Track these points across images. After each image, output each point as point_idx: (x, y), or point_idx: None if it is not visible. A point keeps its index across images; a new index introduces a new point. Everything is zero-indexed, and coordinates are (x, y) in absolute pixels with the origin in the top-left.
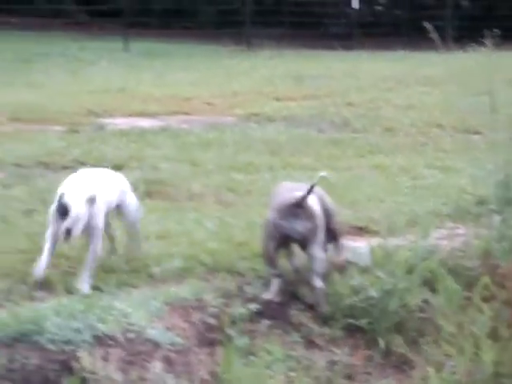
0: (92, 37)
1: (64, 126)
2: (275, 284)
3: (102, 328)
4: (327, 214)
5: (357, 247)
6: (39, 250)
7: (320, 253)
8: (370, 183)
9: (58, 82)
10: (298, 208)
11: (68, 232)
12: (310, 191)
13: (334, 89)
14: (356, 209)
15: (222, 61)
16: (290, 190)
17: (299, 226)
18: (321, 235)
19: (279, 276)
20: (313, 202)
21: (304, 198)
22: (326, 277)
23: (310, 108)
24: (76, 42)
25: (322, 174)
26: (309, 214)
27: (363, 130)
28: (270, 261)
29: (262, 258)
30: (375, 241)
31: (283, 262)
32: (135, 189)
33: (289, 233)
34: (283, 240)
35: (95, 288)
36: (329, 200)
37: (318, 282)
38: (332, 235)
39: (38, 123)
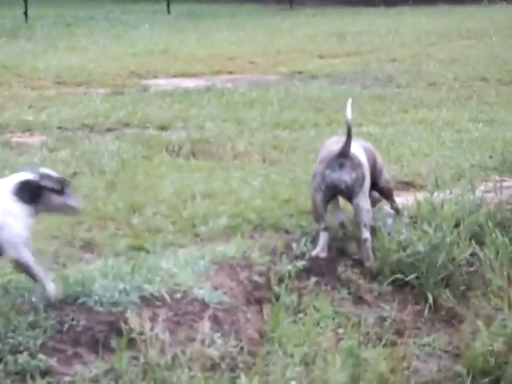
0: (135, 0)
1: (108, 88)
2: (323, 239)
3: (149, 289)
4: (376, 168)
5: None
6: (85, 212)
7: (366, 204)
8: (415, 138)
9: (101, 45)
10: (343, 158)
11: None
12: (349, 133)
13: (377, 45)
14: (402, 164)
15: (265, 19)
16: (336, 142)
17: (345, 176)
18: (366, 186)
19: (326, 230)
20: (358, 153)
21: (347, 145)
22: (372, 230)
23: (354, 64)
24: (119, 5)
25: (349, 101)
26: (354, 164)
27: (407, 85)
28: (318, 214)
29: (311, 212)
30: (421, 195)
31: (330, 218)
32: (180, 149)
33: (335, 183)
34: (330, 191)
35: (142, 249)
36: (379, 157)
37: (365, 233)
38: (383, 193)
39: (82, 86)
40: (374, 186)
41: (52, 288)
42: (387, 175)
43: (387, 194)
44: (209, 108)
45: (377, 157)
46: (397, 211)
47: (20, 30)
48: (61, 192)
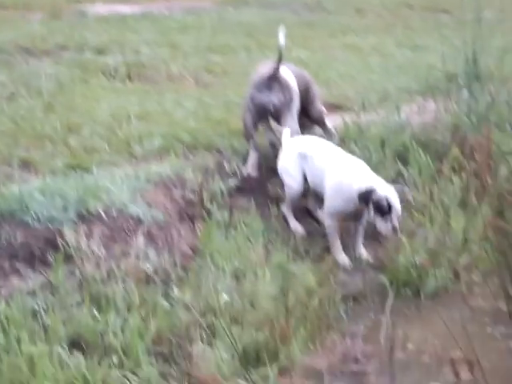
0: None
1: (45, 12)
2: (252, 157)
3: (86, 206)
4: (309, 95)
5: None
6: (23, 132)
7: (294, 125)
8: (343, 62)
9: None
10: (272, 81)
11: None
12: (280, 57)
13: None
14: (330, 86)
15: None
16: (267, 66)
17: (273, 97)
18: (295, 109)
19: (256, 150)
20: (288, 77)
21: (277, 69)
22: None
23: None
24: None
25: (282, 27)
26: (283, 86)
27: (335, 12)
28: (248, 134)
29: (242, 133)
30: (349, 117)
31: (262, 139)
32: (116, 72)
33: (263, 104)
34: (259, 112)
35: (78, 168)
36: (314, 85)
37: None
38: (315, 121)
39: (19, 10)
40: (307, 114)
41: None
42: (321, 106)
43: (319, 122)
44: (144, 33)
45: (311, 85)
46: (328, 134)
47: None
48: (383, 216)
